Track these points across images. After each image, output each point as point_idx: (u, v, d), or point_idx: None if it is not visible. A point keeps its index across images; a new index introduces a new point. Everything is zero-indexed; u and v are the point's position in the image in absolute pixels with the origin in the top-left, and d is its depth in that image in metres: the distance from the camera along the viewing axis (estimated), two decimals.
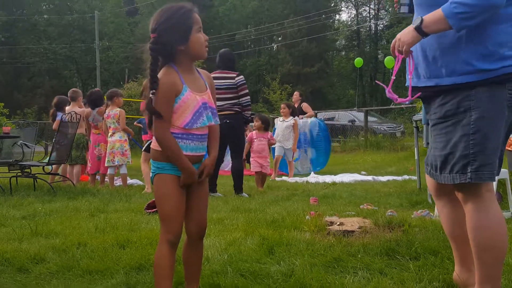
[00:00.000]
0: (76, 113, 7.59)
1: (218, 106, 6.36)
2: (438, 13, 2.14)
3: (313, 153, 10.90)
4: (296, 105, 11.56)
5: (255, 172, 7.59)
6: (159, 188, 2.33)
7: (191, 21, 2.27)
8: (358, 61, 19.97)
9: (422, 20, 2.19)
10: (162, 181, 2.32)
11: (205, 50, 2.33)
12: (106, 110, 7.64)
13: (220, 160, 6.85)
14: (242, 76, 6.69)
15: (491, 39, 2.14)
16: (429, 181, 2.48)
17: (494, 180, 2.22)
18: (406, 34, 2.26)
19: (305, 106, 11.53)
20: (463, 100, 2.18)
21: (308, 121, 10.94)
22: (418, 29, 2.20)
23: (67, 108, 8.20)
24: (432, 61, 2.28)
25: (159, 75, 2.25)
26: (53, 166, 8.13)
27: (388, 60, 16.80)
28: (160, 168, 2.32)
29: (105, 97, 8.32)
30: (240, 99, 6.58)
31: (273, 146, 8.93)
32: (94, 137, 8.02)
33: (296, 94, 12.04)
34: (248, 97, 6.68)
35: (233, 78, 6.56)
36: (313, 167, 10.68)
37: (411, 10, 2.55)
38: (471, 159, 2.18)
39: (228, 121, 6.39)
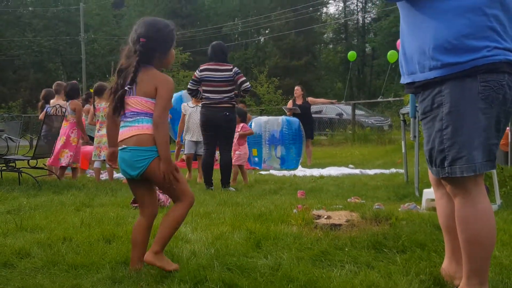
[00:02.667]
0: (60, 106, 7.48)
1: (216, 99, 6.49)
2: None
3: (283, 150, 10.55)
4: (298, 101, 11.17)
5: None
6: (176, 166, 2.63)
7: (173, 39, 2.72)
8: (352, 55, 19.93)
9: None
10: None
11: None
12: (95, 103, 7.53)
13: (214, 153, 6.85)
14: (236, 67, 6.75)
15: (452, 32, 2.15)
16: (430, 172, 2.50)
17: (468, 174, 2.19)
18: None
19: (310, 99, 11.42)
20: (436, 96, 2.22)
21: (279, 119, 10.50)
22: None
23: (51, 101, 8.09)
24: (409, 58, 2.33)
25: (157, 72, 2.67)
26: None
27: (391, 54, 16.70)
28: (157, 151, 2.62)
29: (91, 89, 8.14)
30: (241, 86, 6.60)
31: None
32: (61, 130, 7.62)
33: (298, 89, 11.35)
34: (248, 82, 6.70)
35: (229, 70, 6.61)
36: (286, 165, 10.40)
37: None
38: (446, 154, 2.21)
39: (228, 113, 6.55)
